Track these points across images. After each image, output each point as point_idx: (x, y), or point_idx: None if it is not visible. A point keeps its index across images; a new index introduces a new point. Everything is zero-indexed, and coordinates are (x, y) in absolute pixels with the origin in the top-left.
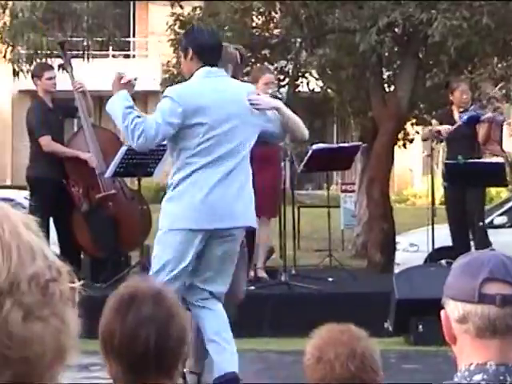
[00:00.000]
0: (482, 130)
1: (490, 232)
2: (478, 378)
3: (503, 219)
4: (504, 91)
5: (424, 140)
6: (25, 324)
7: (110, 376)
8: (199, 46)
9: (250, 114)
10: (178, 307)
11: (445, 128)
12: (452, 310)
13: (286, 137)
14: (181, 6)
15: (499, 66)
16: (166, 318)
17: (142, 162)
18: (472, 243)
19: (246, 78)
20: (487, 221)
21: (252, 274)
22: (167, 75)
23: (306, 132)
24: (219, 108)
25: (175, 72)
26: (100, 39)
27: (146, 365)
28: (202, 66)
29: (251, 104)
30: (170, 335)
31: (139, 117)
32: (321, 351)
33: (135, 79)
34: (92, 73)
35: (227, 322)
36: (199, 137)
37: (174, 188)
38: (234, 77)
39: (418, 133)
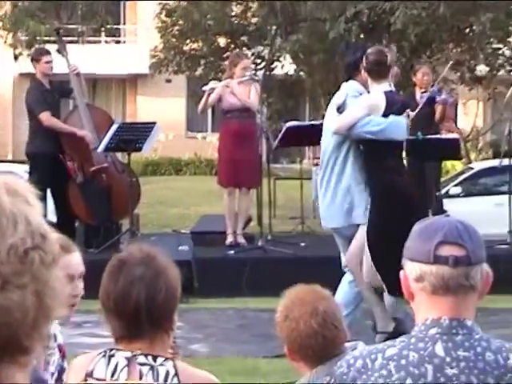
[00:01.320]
0: (438, 110)
1: (446, 201)
2: (433, 331)
3: (458, 190)
4: (459, 74)
5: None
6: (3, 294)
7: (111, 333)
8: None
9: None
10: (166, 267)
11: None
12: (410, 270)
13: (263, 114)
14: None
15: (454, 51)
16: (155, 277)
17: (131, 139)
18: (430, 212)
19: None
20: (443, 191)
21: (232, 239)
22: (155, 59)
23: None
24: None
25: (162, 56)
26: (93, 26)
27: (139, 320)
28: None
29: None
30: (159, 291)
31: None
32: (288, 310)
33: None
34: (86, 57)
35: None
36: None
37: None
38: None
39: None
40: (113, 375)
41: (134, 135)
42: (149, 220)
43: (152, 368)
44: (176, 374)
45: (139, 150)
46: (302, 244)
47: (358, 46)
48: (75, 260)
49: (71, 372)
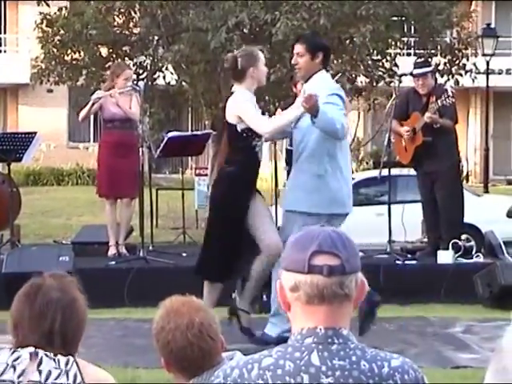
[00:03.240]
0: None
1: None
2: (308, 340)
3: None
4: (340, 84)
5: None
6: None
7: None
8: (328, 52)
9: None
10: (78, 294)
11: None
12: (286, 279)
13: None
14: (48, 5)
15: (335, 62)
16: (70, 302)
17: (11, 149)
18: None
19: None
20: None
21: (114, 250)
22: (36, 69)
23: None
24: None
25: (43, 66)
26: None
27: (52, 340)
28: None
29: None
30: (74, 316)
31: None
32: (164, 321)
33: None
34: None
35: None
36: None
37: None
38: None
39: None
40: (14, 367)
41: (14, 145)
42: (30, 230)
43: (53, 359)
44: (76, 363)
45: (19, 160)
46: (184, 254)
47: None
48: None
49: None
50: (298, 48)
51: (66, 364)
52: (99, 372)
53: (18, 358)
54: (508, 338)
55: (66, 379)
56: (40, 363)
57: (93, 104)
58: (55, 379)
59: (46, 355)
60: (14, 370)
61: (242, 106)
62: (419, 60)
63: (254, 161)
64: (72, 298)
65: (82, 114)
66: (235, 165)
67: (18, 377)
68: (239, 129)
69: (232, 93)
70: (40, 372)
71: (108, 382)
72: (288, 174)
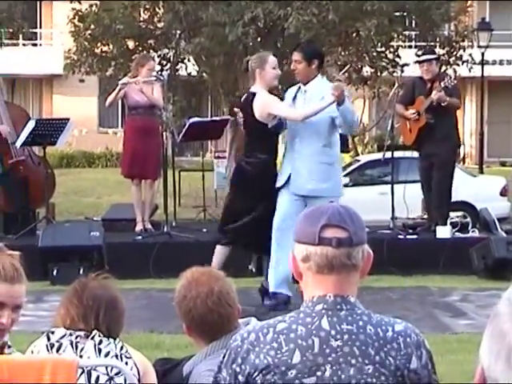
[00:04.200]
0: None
1: None
2: (319, 307)
3: (346, 180)
4: (346, 75)
5: None
6: None
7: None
8: (323, 58)
9: None
10: (118, 291)
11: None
12: (298, 251)
13: (168, 112)
14: (79, 2)
15: (342, 53)
16: (112, 298)
17: (46, 133)
18: None
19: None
20: None
21: (141, 226)
22: (68, 61)
23: None
24: None
25: (75, 58)
26: (11, 30)
27: (98, 330)
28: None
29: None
30: (115, 309)
31: None
32: (185, 290)
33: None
34: (5, 59)
35: None
36: None
37: None
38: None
39: None
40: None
41: (49, 130)
42: (64, 208)
43: (109, 342)
44: (124, 345)
45: (54, 144)
46: (204, 230)
47: None
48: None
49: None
50: (296, 56)
51: (114, 340)
52: (144, 359)
53: (77, 337)
54: (503, 304)
55: (115, 347)
56: (93, 336)
57: (119, 90)
58: (106, 345)
59: (103, 335)
60: (71, 335)
61: (269, 103)
62: (425, 49)
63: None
64: (113, 295)
65: (110, 99)
66: (267, 153)
67: (76, 338)
68: (270, 125)
69: (251, 92)
70: (93, 338)
71: (149, 362)
72: None
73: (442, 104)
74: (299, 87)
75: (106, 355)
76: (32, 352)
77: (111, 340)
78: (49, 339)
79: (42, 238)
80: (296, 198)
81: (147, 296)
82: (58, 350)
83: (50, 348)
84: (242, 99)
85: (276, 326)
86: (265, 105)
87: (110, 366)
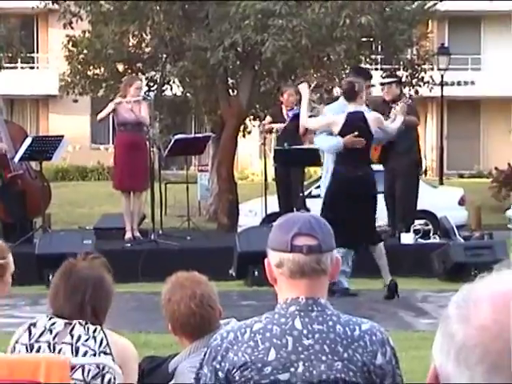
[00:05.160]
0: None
1: (308, 201)
2: (292, 308)
3: (318, 191)
4: (319, 95)
5: (262, 131)
6: None
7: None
8: None
9: None
10: (106, 271)
11: (279, 126)
12: (272, 257)
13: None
14: (73, 28)
15: (315, 75)
16: (99, 278)
17: (42, 149)
18: (294, 209)
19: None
20: (306, 192)
21: (130, 234)
22: (63, 83)
23: None
24: None
25: (69, 80)
26: (10, 54)
27: (83, 312)
28: None
29: None
30: (101, 290)
31: None
32: (170, 293)
33: None
34: (4, 81)
35: None
36: None
37: None
38: None
39: (254, 126)
40: (51, 331)
41: (45, 147)
42: (59, 218)
43: (83, 326)
44: (103, 333)
45: (49, 159)
46: (188, 238)
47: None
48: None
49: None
50: None
51: (94, 331)
52: (122, 339)
53: (54, 324)
54: (452, 307)
55: (94, 343)
56: (72, 329)
57: (111, 108)
58: (84, 341)
59: (79, 323)
60: (51, 333)
61: (380, 118)
62: (387, 73)
63: None
64: (100, 276)
65: (101, 115)
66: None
67: (53, 338)
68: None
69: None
70: (72, 336)
71: (129, 347)
72: (276, 170)
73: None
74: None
75: (84, 354)
76: (14, 349)
77: (90, 334)
78: (30, 334)
79: (39, 245)
80: None
81: (136, 299)
82: (37, 351)
83: (29, 350)
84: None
85: (253, 326)
86: (378, 119)
87: (100, 364)
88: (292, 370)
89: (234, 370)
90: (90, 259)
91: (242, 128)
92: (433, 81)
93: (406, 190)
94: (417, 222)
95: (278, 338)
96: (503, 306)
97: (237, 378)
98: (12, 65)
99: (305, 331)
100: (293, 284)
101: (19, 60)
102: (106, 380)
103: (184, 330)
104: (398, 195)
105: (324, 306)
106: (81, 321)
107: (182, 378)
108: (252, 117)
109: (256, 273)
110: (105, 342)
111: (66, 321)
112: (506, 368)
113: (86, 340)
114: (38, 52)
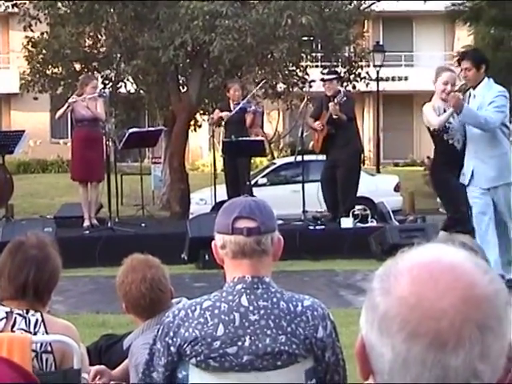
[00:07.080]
0: (248, 118)
1: (255, 189)
2: (239, 287)
3: (264, 180)
4: (263, 90)
5: (211, 124)
6: None
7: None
8: (488, 63)
9: None
10: (54, 253)
11: (225, 114)
12: (217, 239)
13: (110, 124)
14: (32, 30)
15: (259, 72)
16: (44, 260)
17: (4, 144)
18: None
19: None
20: (253, 181)
21: (88, 222)
22: (24, 81)
23: None
24: None
25: (29, 79)
26: None
27: (25, 291)
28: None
29: None
30: (46, 272)
31: None
32: (123, 276)
33: None
34: None
35: None
36: None
37: None
38: None
39: (204, 120)
40: None
41: (7, 141)
42: (21, 209)
43: (24, 318)
44: (43, 321)
45: (11, 152)
46: (143, 225)
47: None
48: None
49: None
50: (465, 64)
51: (35, 325)
52: (61, 321)
53: None
54: (375, 280)
55: (27, 325)
56: (14, 324)
57: (68, 106)
58: (19, 327)
59: (19, 314)
60: None
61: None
62: (328, 69)
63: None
64: (46, 255)
65: (59, 113)
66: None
67: None
68: (432, 129)
69: None
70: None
71: (68, 327)
72: (224, 160)
73: (334, 117)
74: (469, 93)
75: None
76: None
77: (27, 315)
78: None
79: (2, 233)
80: (483, 191)
81: (94, 282)
82: None
83: None
84: None
85: (202, 304)
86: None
87: (59, 341)
88: (239, 343)
89: (186, 345)
90: (38, 237)
91: (192, 122)
92: (369, 77)
93: (347, 178)
94: (356, 207)
95: (226, 314)
96: (421, 277)
97: (188, 352)
98: None
99: (251, 307)
100: (236, 264)
101: None
102: (44, 360)
103: (136, 310)
104: (339, 183)
105: (268, 283)
106: (21, 312)
107: (136, 354)
108: (202, 111)
109: (206, 256)
110: (42, 330)
111: (8, 309)
112: (423, 336)
113: (25, 332)
114: None
